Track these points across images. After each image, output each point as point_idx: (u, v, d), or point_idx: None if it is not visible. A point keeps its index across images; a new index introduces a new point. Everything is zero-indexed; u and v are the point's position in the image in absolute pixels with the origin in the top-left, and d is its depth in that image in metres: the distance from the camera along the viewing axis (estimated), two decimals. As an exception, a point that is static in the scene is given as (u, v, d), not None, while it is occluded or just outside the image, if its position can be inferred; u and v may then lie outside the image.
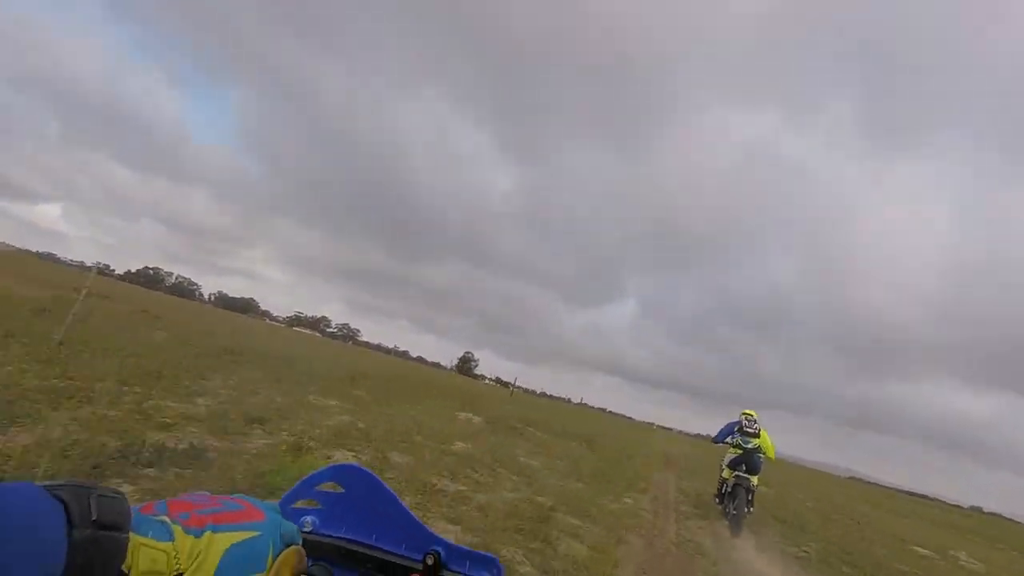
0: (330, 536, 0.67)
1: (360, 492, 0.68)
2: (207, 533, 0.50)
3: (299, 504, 0.70)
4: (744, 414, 7.67)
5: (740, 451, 7.37)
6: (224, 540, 0.50)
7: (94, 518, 0.50)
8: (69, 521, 0.50)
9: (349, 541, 0.67)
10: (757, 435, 7.35)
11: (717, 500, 7.82)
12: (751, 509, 7.02)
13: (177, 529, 0.49)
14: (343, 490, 0.69)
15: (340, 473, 0.69)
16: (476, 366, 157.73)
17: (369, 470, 0.69)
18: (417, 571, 0.62)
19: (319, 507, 0.69)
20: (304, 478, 0.70)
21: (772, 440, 7.46)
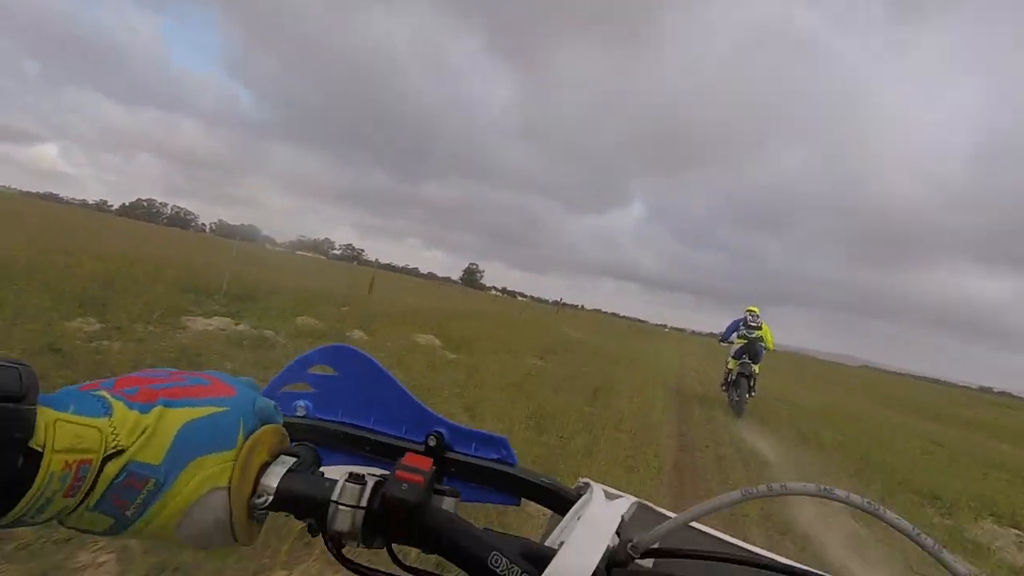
0: (325, 420, 0.63)
1: (354, 374, 0.64)
2: (157, 408, 0.43)
3: (290, 388, 0.64)
4: (748, 311, 8.71)
5: (745, 340, 8.39)
6: (179, 415, 0.43)
7: None
8: None
9: (345, 424, 0.62)
10: (759, 328, 8.46)
11: (723, 388, 8.79)
12: (752, 394, 8.14)
13: (118, 404, 0.42)
14: (336, 372, 0.64)
15: (331, 355, 0.64)
16: (481, 277, 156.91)
17: (363, 351, 0.63)
18: (418, 452, 0.57)
19: (312, 390, 0.65)
20: (293, 360, 0.65)
21: (772, 333, 8.64)
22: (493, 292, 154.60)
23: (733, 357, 8.56)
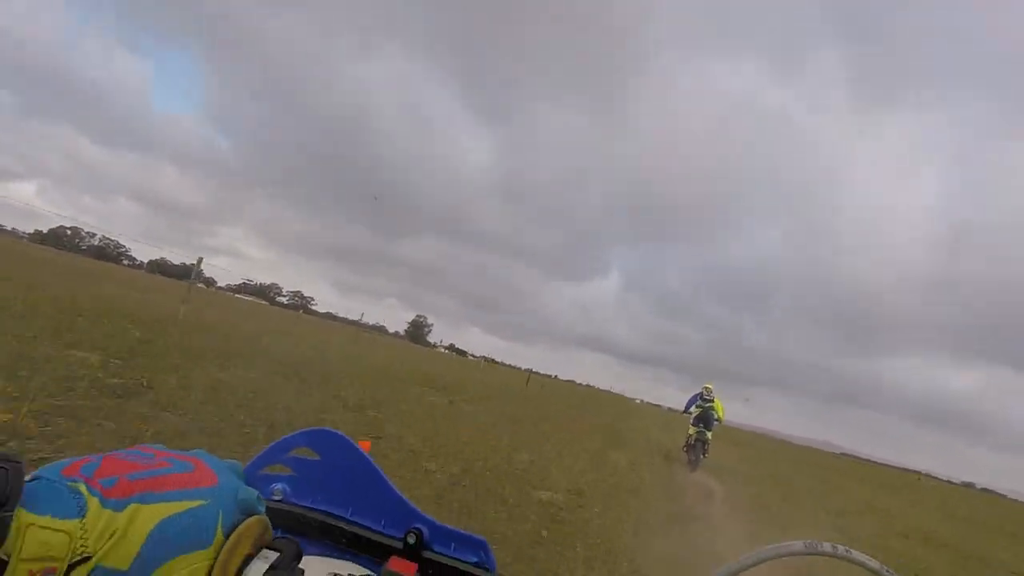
0: (301, 506, 0.61)
1: (337, 460, 0.62)
2: (131, 505, 0.40)
3: (269, 470, 0.63)
4: (704, 387, 11.34)
5: (700, 410, 10.97)
6: (153, 513, 0.41)
7: None
8: None
9: (322, 513, 0.61)
10: (712, 401, 11.07)
11: (684, 450, 11.17)
12: (705, 456, 10.74)
13: (93, 501, 0.40)
14: (318, 457, 0.62)
15: (316, 438, 0.63)
16: (429, 332, 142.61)
17: (349, 437, 0.63)
18: (397, 550, 0.57)
19: (291, 474, 0.63)
20: (275, 442, 0.64)
21: (723, 406, 11.28)
22: (441, 349, 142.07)
23: (692, 424, 10.95)
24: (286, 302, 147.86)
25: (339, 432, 0.61)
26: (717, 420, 10.90)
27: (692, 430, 10.79)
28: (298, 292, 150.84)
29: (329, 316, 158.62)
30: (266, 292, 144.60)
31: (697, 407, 11.02)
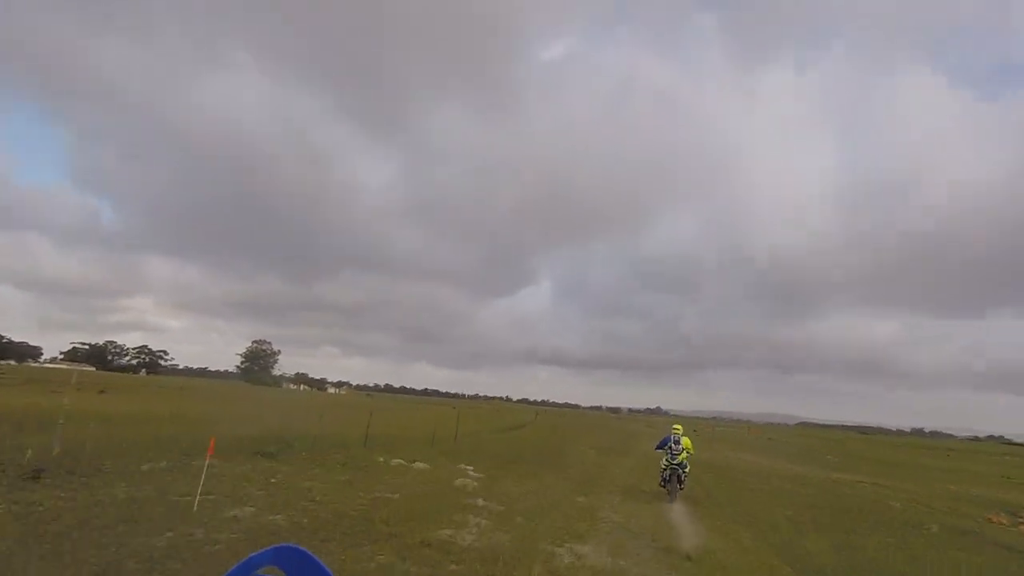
0: None
1: None
2: None
3: None
4: (673, 429, 12.92)
5: (668, 466, 12.55)
6: None
7: None
8: None
9: None
10: (681, 451, 12.45)
11: (662, 484, 12.68)
12: (682, 487, 12.44)
13: None
14: (284, 575, 0.64)
15: (281, 556, 0.64)
16: (275, 363, 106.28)
17: (313, 554, 0.64)
18: None
19: None
20: (242, 561, 0.65)
21: (692, 443, 12.96)
22: (291, 386, 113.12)
23: (664, 466, 12.70)
24: (130, 362, 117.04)
25: (305, 550, 0.61)
26: (689, 454, 12.70)
27: (664, 460, 12.67)
28: (143, 347, 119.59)
29: (182, 370, 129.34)
30: (102, 353, 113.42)
31: (668, 455, 12.55)
